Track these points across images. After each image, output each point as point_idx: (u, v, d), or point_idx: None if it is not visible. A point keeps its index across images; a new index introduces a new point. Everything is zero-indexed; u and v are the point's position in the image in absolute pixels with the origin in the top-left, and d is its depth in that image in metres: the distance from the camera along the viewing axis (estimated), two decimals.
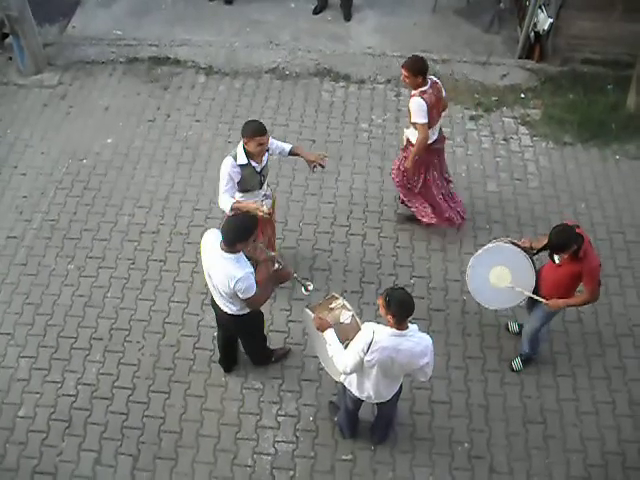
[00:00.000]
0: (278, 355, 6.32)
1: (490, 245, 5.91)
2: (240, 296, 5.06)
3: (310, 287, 5.53)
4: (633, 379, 6.31)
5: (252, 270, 5.05)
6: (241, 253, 5.02)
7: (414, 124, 6.49)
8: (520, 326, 6.50)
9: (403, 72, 6.36)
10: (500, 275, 5.78)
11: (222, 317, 5.57)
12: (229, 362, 6.23)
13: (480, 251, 5.92)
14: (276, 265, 5.50)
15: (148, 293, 6.84)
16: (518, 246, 5.71)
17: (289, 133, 8.38)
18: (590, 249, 5.34)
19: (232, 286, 4.97)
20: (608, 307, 6.78)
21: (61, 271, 6.99)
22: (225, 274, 4.98)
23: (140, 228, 7.38)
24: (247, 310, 5.37)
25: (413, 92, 6.43)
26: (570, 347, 6.52)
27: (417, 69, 6.30)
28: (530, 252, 5.71)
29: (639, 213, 7.68)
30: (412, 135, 6.64)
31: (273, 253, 5.57)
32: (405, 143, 6.85)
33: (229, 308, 5.35)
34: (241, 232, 4.95)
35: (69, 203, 7.59)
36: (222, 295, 5.22)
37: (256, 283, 5.06)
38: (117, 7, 10.35)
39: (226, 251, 4.96)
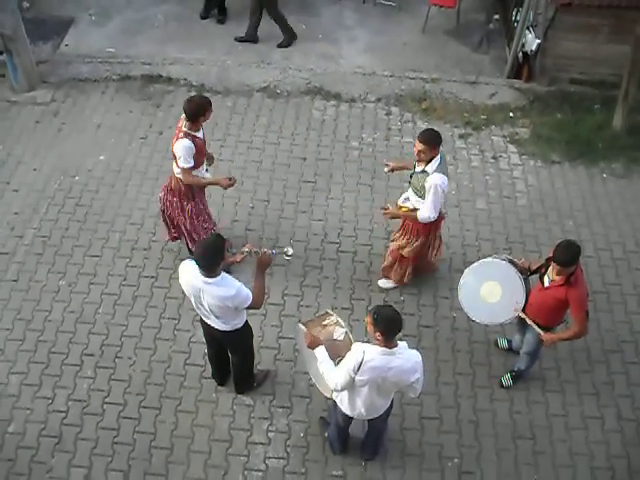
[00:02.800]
0: (259, 379, 6.31)
1: (487, 259, 5.98)
2: (243, 307, 5.18)
3: (290, 251, 5.65)
4: (621, 395, 6.37)
5: (239, 282, 5.11)
6: (222, 273, 5.06)
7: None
8: (509, 342, 6.56)
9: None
10: (491, 290, 5.82)
11: (215, 335, 5.62)
12: (222, 375, 6.24)
13: (476, 263, 6.00)
14: (253, 255, 5.48)
15: (139, 309, 6.85)
16: (515, 265, 5.75)
17: (280, 151, 8.45)
18: (581, 276, 5.36)
19: (231, 305, 5.08)
20: (596, 323, 6.83)
21: (52, 287, 7.00)
22: (218, 298, 5.07)
23: (132, 245, 7.41)
24: (241, 324, 5.47)
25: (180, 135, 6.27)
26: (559, 363, 6.57)
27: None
28: (525, 273, 5.76)
29: (626, 230, 7.77)
30: None
31: (246, 248, 5.50)
32: None
33: (224, 327, 5.42)
34: (214, 255, 4.96)
35: (61, 219, 7.61)
36: (218, 317, 5.30)
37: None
38: (110, 25, 10.45)
39: (208, 276, 5.00)
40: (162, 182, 7.96)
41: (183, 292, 6.81)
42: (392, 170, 6.68)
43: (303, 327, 5.19)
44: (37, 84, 9.22)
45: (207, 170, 6.68)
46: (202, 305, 5.25)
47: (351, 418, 5.32)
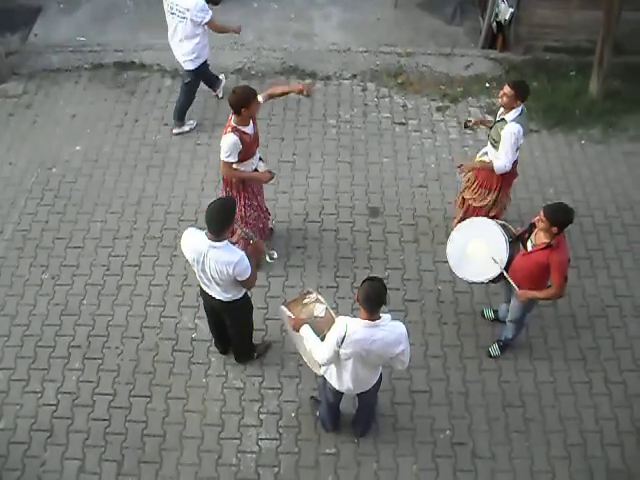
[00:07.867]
0: (260, 350, 6.36)
1: (477, 219, 6.15)
2: (239, 279, 5.19)
3: (274, 255, 5.72)
4: (608, 358, 6.43)
5: (243, 252, 5.17)
6: (227, 240, 5.11)
7: None
8: (495, 312, 6.59)
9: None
10: (477, 248, 5.94)
11: (215, 306, 5.66)
12: (225, 344, 6.28)
13: (466, 221, 6.18)
14: (248, 237, 5.64)
15: (124, 298, 6.82)
16: (505, 228, 5.87)
17: None
18: (563, 241, 5.40)
19: (231, 272, 5.10)
20: (581, 290, 6.89)
21: (35, 281, 6.94)
22: (222, 263, 5.09)
23: (113, 234, 7.36)
24: (240, 295, 5.50)
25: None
26: (545, 330, 6.62)
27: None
28: (513, 237, 5.83)
29: (606, 196, 7.81)
30: None
31: (245, 229, 5.59)
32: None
33: (224, 296, 5.45)
34: (225, 216, 5.04)
35: (40, 212, 7.54)
36: (219, 284, 5.32)
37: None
38: (80, 13, 10.30)
39: (215, 240, 5.04)
40: (140, 169, 8.00)
41: (167, 279, 6.90)
42: (474, 123, 6.93)
43: (285, 309, 5.26)
44: (8, 76, 9.09)
45: (261, 159, 6.59)
46: (204, 271, 5.25)
47: (341, 394, 5.35)
